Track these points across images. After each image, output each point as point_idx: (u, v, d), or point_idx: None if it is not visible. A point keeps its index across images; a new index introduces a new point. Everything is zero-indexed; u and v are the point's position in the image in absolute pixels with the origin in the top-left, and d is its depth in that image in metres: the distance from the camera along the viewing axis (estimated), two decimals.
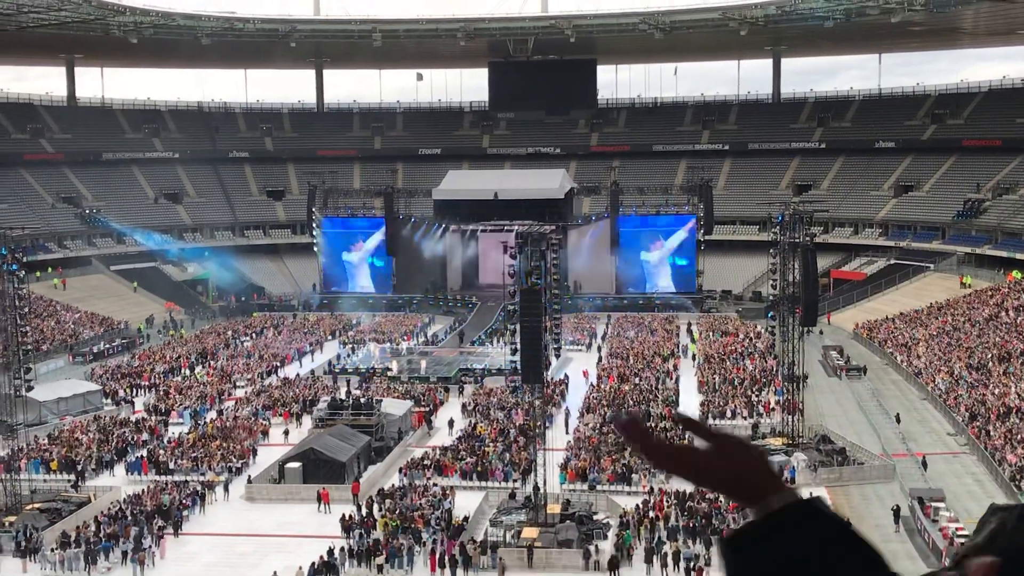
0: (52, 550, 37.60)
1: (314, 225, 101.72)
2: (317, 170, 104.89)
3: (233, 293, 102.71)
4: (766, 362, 68.79)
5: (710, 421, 53.82)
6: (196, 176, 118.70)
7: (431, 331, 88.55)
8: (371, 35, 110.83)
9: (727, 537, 1.99)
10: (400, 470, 48.12)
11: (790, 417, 51.50)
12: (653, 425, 53.31)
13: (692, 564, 35.08)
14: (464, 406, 60.11)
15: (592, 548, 37.21)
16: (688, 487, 43.89)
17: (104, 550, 37.87)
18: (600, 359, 73.43)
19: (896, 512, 39.99)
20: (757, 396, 60.10)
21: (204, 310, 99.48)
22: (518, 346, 42.25)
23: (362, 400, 55.93)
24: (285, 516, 43.08)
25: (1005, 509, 2.04)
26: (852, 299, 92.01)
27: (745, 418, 55.91)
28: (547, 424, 46.56)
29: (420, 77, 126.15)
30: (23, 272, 48.01)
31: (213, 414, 59.65)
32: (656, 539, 37.87)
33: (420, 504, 42.30)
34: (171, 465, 48.71)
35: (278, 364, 74.32)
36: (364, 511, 42.01)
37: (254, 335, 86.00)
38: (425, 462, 48.25)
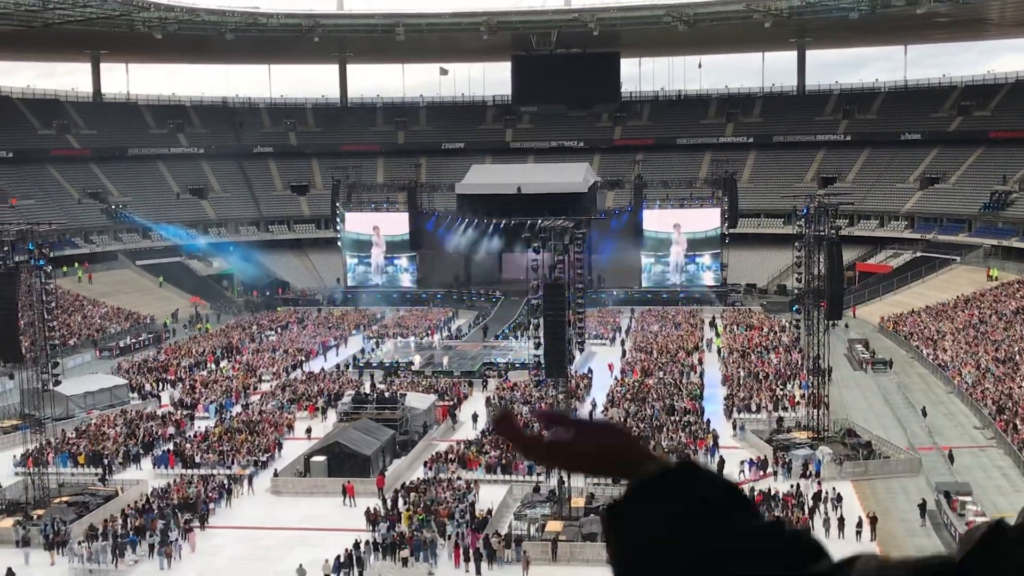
0: (80, 543, 37.88)
1: (338, 220, 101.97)
2: (341, 165, 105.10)
3: (256, 288, 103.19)
4: (791, 356, 68.52)
5: (735, 415, 53.84)
6: (221, 171, 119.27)
7: (454, 325, 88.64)
8: (394, 29, 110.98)
9: (605, 509, 2.00)
10: (424, 464, 48.23)
11: (815, 411, 51.30)
12: (678, 419, 53.25)
13: None
14: (488, 400, 60.18)
15: None
16: None
17: (131, 543, 38.15)
18: (624, 353, 73.32)
19: (923, 506, 39.78)
20: (782, 390, 59.88)
21: (229, 304, 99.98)
22: (542, 340, 42.24)
23: (386, 394, 56.07)
24: (310, 509, 43.27)
25: None
26: (878, 292, 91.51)
27: (770, 412, 55.72)
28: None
29: (444, 71, 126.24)
30: (50, 267, 48.36)
31: (238, 408, 59.97)
32: None
33: (444, 497, 42.39)
34: (197, 459, 48.99)
35: (303, 358, 74.59)
36: (389, 504, 42.14)
37: (279, 329, 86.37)
38: (449, 456, 48.35)
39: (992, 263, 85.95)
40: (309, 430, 52.97)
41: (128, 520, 40.14)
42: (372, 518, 40.42)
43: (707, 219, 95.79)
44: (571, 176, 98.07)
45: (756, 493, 41.18)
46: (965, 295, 79.51)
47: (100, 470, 48.00)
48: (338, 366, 71.49)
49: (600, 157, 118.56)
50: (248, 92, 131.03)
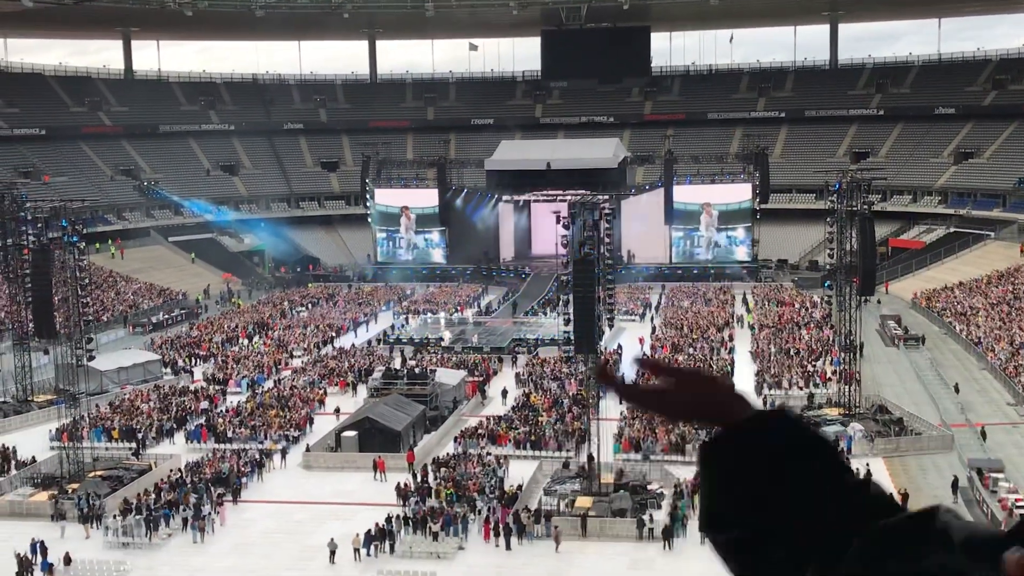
0: (114, 517, 38.32)
1: (367, 196, 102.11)
2: (370, 141, 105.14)
3: (286, 264, 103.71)
4: (822, 332, 68.17)
5: (765, 392, 53.66)
6: (251, 148, 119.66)
7: (484, 301, 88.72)
8: (424, 5, 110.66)
9: (701, 445, 2.01)
10: (455, 439, 48.41)
11: (846, 387, 51.05)
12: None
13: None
14: (518, 376, 60.26)
15: (646, 518, 37.23)
16: None
17: (165, 517, 38.54)
18: (654, 329, 73.17)
19: (955, 483, 39.55)
20: (813, 366, 59.61)
21: (260, 281, 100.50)
22: (571, 316, 42.19)
23: (416, 370, 56.27)
24: (341, 484, 43.55)
25: None
26: (911, 268, 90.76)
27: (801, 388, 55.51)
28: (601, 394, 46.56)
29: (474, 47, 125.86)
30: (83, 244, 48.73)
31: (270, 383, 60.36)
32: None
33: (474, 473, 42.55)
34: (229, 434, 49.39)
35: (333, 334, 74.93)
36: (419, 479, 42.35)
37: (310, 305, 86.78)
38: (479, 431, 48.50)
39: None
40: (338, 409, 53.09)
41: (161, 494, 40.55)
42: (403, 493, 40.64)
43: (738, 193, 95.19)
44: (601, 151, 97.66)
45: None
46: (999, 271, 78.74)
47: (134, 444, 48.51)
48: (368, 342, 71.77)
49: (630, 132, 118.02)
50: (278, 69, 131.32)
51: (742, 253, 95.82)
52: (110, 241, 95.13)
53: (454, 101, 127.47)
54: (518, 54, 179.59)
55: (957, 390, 54.78)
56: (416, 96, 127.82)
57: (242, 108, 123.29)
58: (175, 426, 51.73)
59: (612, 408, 50.73)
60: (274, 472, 45.74)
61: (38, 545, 35.01)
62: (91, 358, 49.26)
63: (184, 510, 39.08)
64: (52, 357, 54.90)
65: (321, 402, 55.92)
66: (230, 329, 75.68)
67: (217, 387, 59.32)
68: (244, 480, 43.40)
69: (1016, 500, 36.37)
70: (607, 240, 44.01)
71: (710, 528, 1.97)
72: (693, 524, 36.94)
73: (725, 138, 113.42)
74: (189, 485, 41.52)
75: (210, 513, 39.13)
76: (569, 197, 67.37)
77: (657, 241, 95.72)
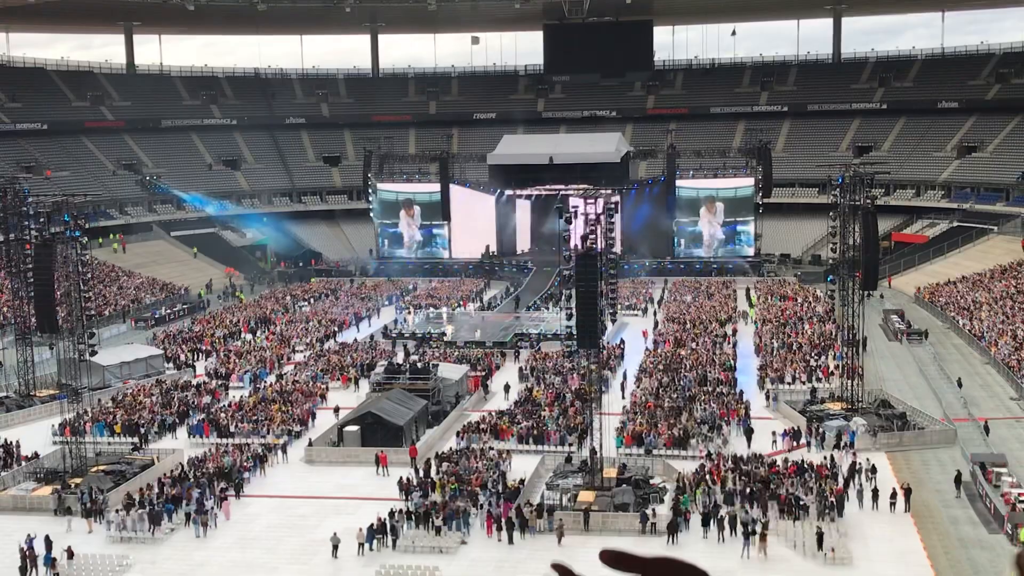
0: (116, 511, 38.33)
1: (370, 191, 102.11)
2: (373, 135, 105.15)
3: (288, 259, 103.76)
4: (825, 326, 68.12)
5: (768, 386, 53.57)
6: (253, 142, 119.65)
7: (487, 296, 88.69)
8: None
9: None
10: (457, 434, 48.40)
11: (849, 382, 51.00)
12: (711, 389, 53.13)
13: (749, 528, 34.96)
14: (520, 371, 60.26)
15: (649, 512, 37.21)
16: (743, 451, 43.73)
17: (167, 511, 38.54)
18: (656, 324, 73.14)
19: (958, 478, 39.50)
20: (816, 361, 59.57)
21: (263, 275, 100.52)
22: (574, 311, 42.12)
23: (419, 365, 56.25)
24: (344, 479, 43.54)
25: None
26: (913, 262, 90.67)
27: (804, 383, 55.47)
28: (603, 388, 46.53)
29: (476, 41, 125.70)
30: (85, 239, 48.69)
31: (272, 378, 60.36)
32: (713, 503, 37.78)
33: (477, 467, 42.53)
34: (232, 428, 49.39)
35: (336, 329, 74.92)
36: (422, 474, 42.34)
37: (312, 300, 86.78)
38: (482, 426, 48.49)
39: None
40: (337, 409, 52.64)
41: (164, 489, 40.56)
42: (405, 487, 40.64)
43: (740, 182, 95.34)
44: (603, 146, 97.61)
45: (789, 464, 41.05)
46: (1002, 265, 78.63)
47: (136, 439, 48.52)
48: (371, 336, 71.78)
49: (633, 126, 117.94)
50: (280, 63, 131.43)
51: (744, 248, 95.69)
52: (112, 236, 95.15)
53: (456, 95, 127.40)
54: (520, 48, 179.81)
55: (960, 384, 54.75)
56: (418, 90, 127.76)
57: (244, 102, 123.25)
58: (177, 421, 51.75)
59: (614, 402, 50.77)
60: (276, 467, 45.73)
61: (33, 540, 34.93)
62: (93, 353, 49.19)
63: (187, 505, 39.09)
64: (54, 352, 54.84)
65: (323, 397, 55.92)
66: (232, 324, 75.68)
67: (219, 382, 59.34)
68: (246, 475, 43.39)
69: (1019, 495, 36.31)
70: (610, 234, 43.88)
71: None
72: (695, 518, 36.93)
73: (728, 132, 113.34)
74: (192, 480, 41.51)
75: (212, 508, 39.12)
76: (572, 191, 67.29)
77: (660, 236, 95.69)
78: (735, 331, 69.75)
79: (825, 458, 42.36)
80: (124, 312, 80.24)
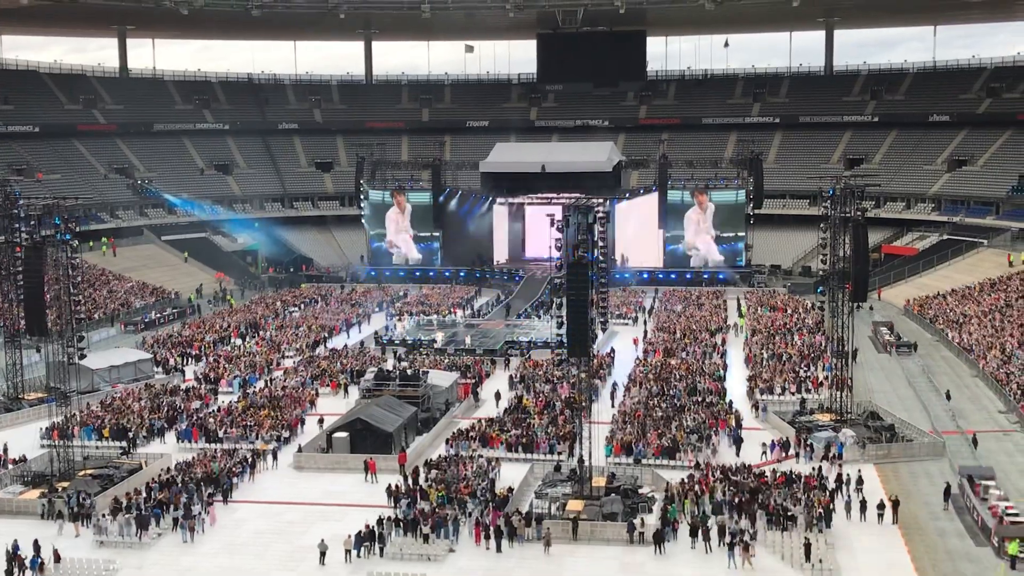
0: (104, 516, 38.20)
1: (362, 197, 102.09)
2: (365, 142, 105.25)
3: (277, 264, 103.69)
4: (815, 338, 68.25)
5: (757, 397, 53.64)
6: (245, 147, 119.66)
7: (477, 304, 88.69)
8: (420, 6, 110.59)
9: None
10: (446, 441, 48.35)
11: (838, 393, 51.08)
12: (700, 399, 53.18)
13: (737, 538, 34.98)
14: (511, 379, 60.26)
15: (637, 521, 37.20)
16: (732, 461, 43.75)
17: (155, 516, 38.42)
18: (646, 334, 73.21)
19: (947, 490, 39.57)
20: (805, 372, 59.67)
21: (253, 280, 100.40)
22: (564, 319, 42.14)
23: (409, 371, 56.20)
24: (332, 485, 43.47)
25: None
26: (903, 275, 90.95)
27: (793, 393, 55.54)
28: (593, 397, 46.53)
29: (470, 49, 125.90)
30: (76, 242, 48.57)
31: (261, 383, 60.26)
32: (701, 513, 37.79)
33: (466, 475, 42.49)
34: (220, 433, 49.28)
35: (326, 335, 74.85)
36: (410, 481, 42.28)
37: (302, 306, 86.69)
38: (471, 433, 48.45)
39: (1020, 246, 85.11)
40: (321, 420, 51.89)
41: (152, 493, 40.42)
42: (394, 494, 40.58)
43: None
44: (595, 155, 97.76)
45: (778, 475, 41.09)
46: (991, 278, 78.90)
47: (124, 443, 48.37)
48: (361, 343, 71.72)
49: (625, 136, 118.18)
50: (274, 68, 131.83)
51: (734, 259, 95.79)
52: (103, 239, 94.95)
53: (449, 103, 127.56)
54: (514, 57, 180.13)
55: (948, 397, 54.89)
56: (411, 97, 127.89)
57: (237, 107, 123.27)
58: (166, 425, 51.60)
59: (604, 411, 50.77)
60: (265, 472, 45.65)
61: (31, 543, 34.85)
62: (82, 356, 49.01)
63: (174, 510, 38.96)
64: (43, 355, 54.71)
65: (313, 403, 55.83)
66: (222, 329, 75.55)
67: (209, 387, 59.21)
68: (235, 480, 43.29)
69: (1007, 508, 36.38)
70: (601, 244, 43.94)
71: None
72: (684, 528, 36.93)
73: (720, 143, 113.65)
74: (180, 485, 41.38)
75: (200, 513, 39.01)
76: (564, 200, 67.30)
77: (651, 245, 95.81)
78: (725, 341, 69.86)
79: (814, 469, 42.41)
80: (114, 316, 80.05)
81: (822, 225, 55.24)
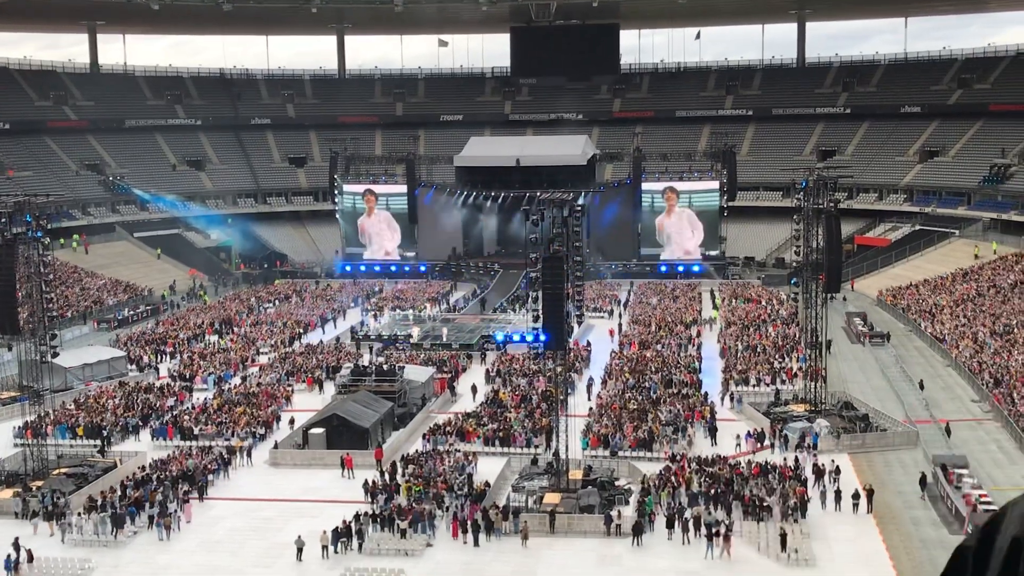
0: (79, 515, 37.98)
1: (336, 192, 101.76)
2: (339, 137, 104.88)
3: (250, 260, 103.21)
4: (789, 329, 68.60)
5: (732, 388, 53.88)
6: (218, 143, 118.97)
7: (453, 298, 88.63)
8: (393, 0, 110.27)
9: None
10: (423, 436, 48.33)
11: (813, 384, 51.38)
12: (676, 391, 53.37)
13: (713, 529, 35.14)
14: (487, 373, 60.28)
15: (614, 514, 37.32)
16: (708, 452, 43.95)
17: (130, 514, 38.23)
18: (621, 327, 73.40)
19: (923, 480, 39.84)
20: (780, 363, 59.97)
21: (227, 277, 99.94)
22: (540, 313, 42.18)
23: (385, 367, 56.11)
24: (309, 481, 43.38)
25: None
26: (876, 265, 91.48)
27: (767, 384, 55.81)
28: (569, 390, 46.61)
29: (443, 43, 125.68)
30: (47, 239, 48.22)
31: (237, 380, 60.03)
32: (678, 505, 37.95)
33: (443, 470, 42.49)
34: (196, 431, 49.06)
35: (301, 331, 74.62)
36: (387, 477, 42.23)
37: (277, 302, 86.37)
38: (448, 428, 48.44)
39: (991, 236, 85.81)
40: (292, 420, 51.22)
41: (127, 492, 40.22)
42: (370, 490, 40.53)
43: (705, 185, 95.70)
44: (570, 148, 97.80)
45: (753, 465, 41.29)
46: (963, 269, 79.50)
47: (99, 442, 48.09)
48: (337, 338, 71.55)
49: (599, 129, 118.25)
50: (246, 63, 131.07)
51: (709, 251, 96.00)
52: (75, 236, 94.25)
53: (423, 97, 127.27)
54: (487, 50, 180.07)
55: (922, 387, 55.28)
56: (385, 92, 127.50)
57: (209, 103, 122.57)
58: (140, 423, 51.33)
59: (580, 404, 50.87)
60: (241, 469, 45.49)
61: (11, 542, 34.62)
62: (55, 354, 48.69)
63: (150, 508, 38.78)
64: (16, 353, 54.22)
65: (288, 399, 55.66)
66: (196, 326, 75.18)
67: (183, 384, 58.94)
68: (210, 477, 43.14)
69: (980, 496, 36.70)
70: (576, 237, 44.03)
71: None
72: (660, 520, 37.07)
73: (693, 136, 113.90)
74: (155, 482, 41.18)
75: (176, 511, 38.84)
76: (538, 194, 67.35)
77: (625, 238, 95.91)
78: (700, 333, 70.12)
79: (787, 459, 42.64)
80: (86, 313, 79.53)
81: (795, 217, 55.55)
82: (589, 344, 66.86)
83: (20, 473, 42.80)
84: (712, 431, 47.45)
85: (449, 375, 59.17)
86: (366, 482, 41.20)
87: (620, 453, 45.03)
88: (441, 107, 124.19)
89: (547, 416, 46.88)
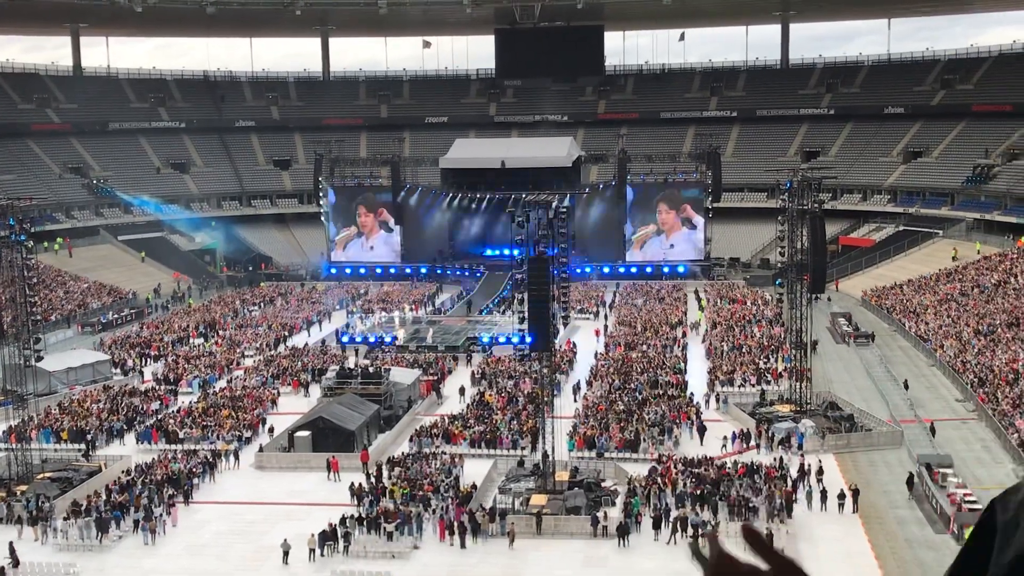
0: (63, 519, 37.81)
1: (320, 194, 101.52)
2: (323, 139, 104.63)
3: (234, 263, 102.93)
4: (773, 329, 68.76)
5: (718, 388, 54.00)
6: (202, 146, 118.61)
7: (439, 300, 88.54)
8: (377, 2, 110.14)
9: None
10: (409, 438, 48.27)
11: (798, 384, 51.52)
12: (661, 392, 53.39)
13: (700, 531, 35.19)
14: (472, 375, 60.25)
15: (600, 515, 37.34)
16: (694, 453, 44.02)
17: (115, 519, 38.08)
18: (606, 328, 73.46)
19: (910, 479, 39.96)
20: (765, 363, 60.11)
21: (212, 280, 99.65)
22: (526, 315, 42.20)
23: (371, 369, 56.04)
24: (295, 484, 43.28)
25: None
26: (860, 266, 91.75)
27: (753, 385, 55.93)
28: (555, 392, 46.66)
29: (427, 45, 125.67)
30: (31, 243, 48.02)
31: (222, 383, 59.85)
32: (664, 506, 37.99)
33: (429, 472, 42.45)
34: (181, 434, 48.90)
35: (286, 333, 74.43)
36: (373, 479, 42.18)
37: (262, 304, 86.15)
38: (434, 430, 48.40)
39: (974, 237, 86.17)
40: (271, 429, 50.59)
41: (112, 496, 40.05)
42: (357, 493, 40.46)
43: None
44: (555, 150, 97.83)
45: (739, 466, 41.37)
46: (947, 269, 79.81)
47: (83, 446, 47.89)
48: (322, 341, 71.41)
49: (584, 131, 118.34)
50: (230, 66, 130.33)
51: (693, 252, 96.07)
52: (59, 240, 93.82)
53: (408, 99, 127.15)
54: (472, 52, 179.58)
55: (906, 386, 55.46)
56: (370, 94, 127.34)
57: (193, 105, 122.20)
58: (125, 427, 51.14)
59: (566, 406, 50.89)
60: (226, 473, 45.36)
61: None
62: (39, 358, 48.49)
63: (135, 512, 38.62)
64: None
65: (274, 402, 55.52)
66: (181, 329, 74.93)
67: (168, 387, 58.73)
68: (196, 481, 43.01)
69: (964, 495, 36.84)
70: (561, 239, 44.08)
71: None
72: (647, 521, 37.11)
73: (678, 137, 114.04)
74: (140, 486, 41.03)
75: (161, 515, 38.71)
76: (524, 196, 67.38)
77: (611, 240, 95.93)
78: (685, 334, 70.22)
79: (774, 460, 42.75)
80: (70, 317, 79.18)
81: (780, 218, 55.68)
82: (574, 345, 66.82)
83: (4, 477, 42.59)
84: (701, 430, 47.56)
85: (435, 377, 59.13)
86: (352, 485, 41.13)
87: (606, 454, 45.07)
88: (426, 109, 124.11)
89: (533, 418, 46.89)
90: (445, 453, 45.23)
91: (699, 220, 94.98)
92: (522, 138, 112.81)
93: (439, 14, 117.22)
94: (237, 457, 46.49)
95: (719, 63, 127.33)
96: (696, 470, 41.21)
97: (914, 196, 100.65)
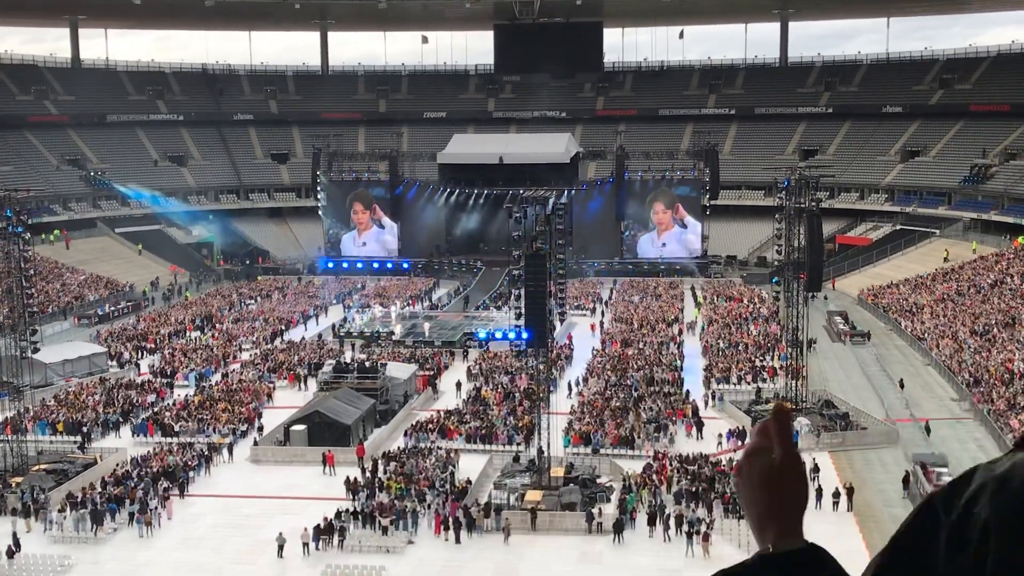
0: (59, 511, 37.84)
1: (318, 188, 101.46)
2: (322, 133, 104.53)
3: (231, 257, 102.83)
4: (770, 327, 68.83)
5: (714, 386, 54.09)
6: (200, 139, 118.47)
7: (436, 295, 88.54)
8: None
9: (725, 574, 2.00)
10: (405, 433, 48.31)
11: (793, 382, 51.58)
12: (657, 389, 53.49)
13: (695, 527, 35.26)
14: (469, 370, 60.29)
15: (595, 511, 37.40)
16: (689, 450, 44.09)
17: (110, 511, 38.11)
18: (602, 325, 73.50)
19: (906, 478, 40.03)
20: (761, 361, 60.18)
21: (208, 273, 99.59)
22: (523, 311, 42.23)
23: (367, 363, 56.07)
24: (290, 478, 43.30)
25: None
26: (857, 264, 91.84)
27: (748, 383, 56.00)
28: (551, 388, 46.70)
29: (426, 40, 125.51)
30: (28, 235, 48.01)
31: (218, 377, 59.86)
32: (659, 503, 38.05)
33: (425, 467, 42.50)
34: (176, 427, 48.91)
35: (283, 327, 74.43)
36: (369, 474, 42.22)
37: (259, 298, 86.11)
38: (430, 425, 48.44)
39: (971, 236, 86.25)
40: (261, 428, 50.22)
41: (107, 488, 40.07)
42: (352, 487, 40.50)
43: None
44: (553, 146, 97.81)
45: (735, 464, 41.38)
46: (943, 268, 79.88)
47: (79, 438, 47.90)
48: (319, 335, 71.40)
49: (582, 127, 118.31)
50: (228, 59, 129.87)
51: (691, 248, 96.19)
52: (56, 232, 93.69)
53: (406, 94, 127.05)
54: (471, 48, 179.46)
55: (902, 385, 55.55)
56: (368, 88, 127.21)
57: (191, 98, 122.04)
58: (121, 419, 51.15)
59: (562, 402, 50.94)
60: (222, 466, 45.39)
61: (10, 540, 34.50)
62: (36, 350, 48.52)
63: (130, 504, 38.65)
64: None
65: (270, 396, 55.54)
66: (177, 322, 74.92)
67: (164, 380, 58.74)
68: (191, 474, 43.04)
69: None
70: (559, 235, 44.13)
71: None
72: (642, 518, 37.16)
73: (676, 134, 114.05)
74: (135, 479, 41.05)
75: (156, 507, 38.73)
76: (522, 191, 67.46)
77: (608, 236, 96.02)
78: (681, 331, 70.28)
79: None
80: (67, 309, 79.12)
81: (777, 216, 55.72)
82: (571, 341, 66.88)
83: (0, 469, 42.60)
84: (699, 425, 47.69)
85: (431, 372, 59.16)
86: (348, 479, 41.18)
87: (602, 451, 45.13)
88: (424, 104, 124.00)
89: (529, 413, 46.94)
90: (441, 448, 45.27)
91: (691, 220, 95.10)
92: (520, 134, 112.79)
93: (438, 9, 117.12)
94: (232, 451, 46.48)
95: (718, 61, 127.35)
96: (691, 467, 41.28)
97: (911, 195, 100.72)
